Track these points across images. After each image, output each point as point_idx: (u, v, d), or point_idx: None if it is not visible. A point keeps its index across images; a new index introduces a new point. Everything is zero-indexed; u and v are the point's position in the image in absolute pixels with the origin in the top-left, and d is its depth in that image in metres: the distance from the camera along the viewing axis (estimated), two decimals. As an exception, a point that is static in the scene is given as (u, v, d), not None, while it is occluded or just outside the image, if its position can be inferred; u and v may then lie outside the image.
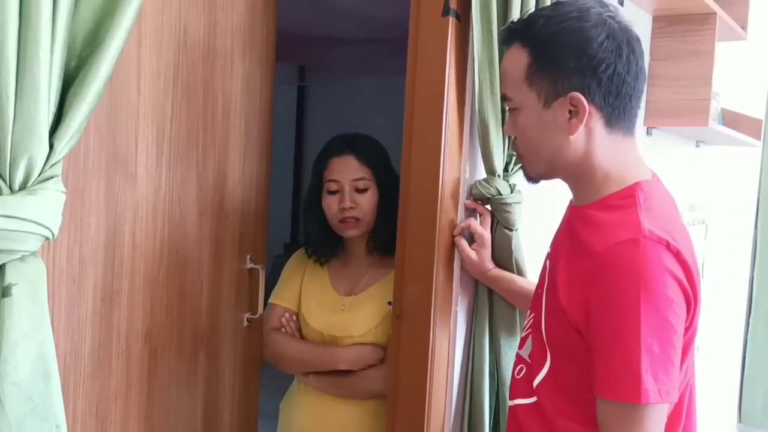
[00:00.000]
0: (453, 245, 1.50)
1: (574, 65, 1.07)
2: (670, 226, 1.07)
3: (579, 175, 1.14)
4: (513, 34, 1.14)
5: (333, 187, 1.65)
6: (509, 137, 1.23)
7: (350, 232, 1.65)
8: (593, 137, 1.10)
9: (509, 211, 1.49)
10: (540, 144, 1.14)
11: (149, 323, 1.27)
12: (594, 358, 1.05)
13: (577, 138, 1.10)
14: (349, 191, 1.63)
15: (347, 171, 1.64)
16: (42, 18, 0.83)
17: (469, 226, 1.49)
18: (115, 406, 1.22)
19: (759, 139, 2.76)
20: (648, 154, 2.27)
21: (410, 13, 1.46)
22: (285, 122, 4.69)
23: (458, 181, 1.49)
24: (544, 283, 1.21)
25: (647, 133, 2.29)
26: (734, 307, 3.57)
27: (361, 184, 1.63)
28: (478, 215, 1.54)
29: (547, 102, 1.10)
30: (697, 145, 2.74)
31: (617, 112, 1.10)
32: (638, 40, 1.12)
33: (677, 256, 1.03)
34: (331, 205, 1.65)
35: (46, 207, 0.87)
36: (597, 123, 1.10)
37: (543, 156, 1.15)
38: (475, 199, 1.53)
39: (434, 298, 1.46)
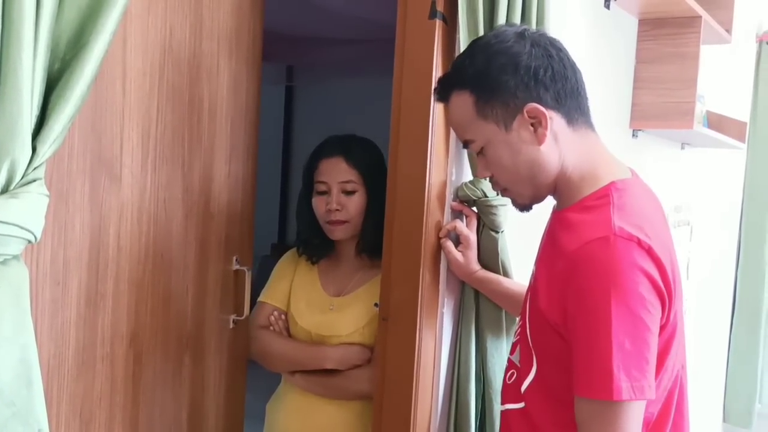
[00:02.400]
0: (439, 247, 1.50)
1: (515, 82, 1.10)
2: (645, 223, 1.07)
3: (559, 183, 1.16)
4: (445, 87, 1.17)
5: (321, 188, 1.66)
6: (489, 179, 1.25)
7: (337, 234, 1.66)
8: (561, 140, 1.13)
9: (495, 214, 1.49)
10: (517, 168, 1.14)
11: (134, 326, 1.27)
12: (572, 358, 1.05)
13: (548, 146, 1.12)
14: (337, 193, 1.64)
15: (335, 173, 1.64)
16: (25, 20, 0.82)
17: (455, 228, 1.50)
18: (100, 409, 1.21)
19: (743, 141, 2.78)
20: (634, 156, 2.31)
21: (397, 15, 1.47)
22: (273, 122, 4.69)
23: (444, 183, 1.49)
24: (530, 289, 1.22)
25: (633, 135, 2.31)
26: (719, 307, 3.60)
27: (348, 187, 1.64)
28: (464, 217, 1.54)
29: (507, 125, 1.12)
30: (683, 148, 2.76)
31: (572, 108, 1.13)
32: (556, 40, 1.15)
33: (649, 252, 1.04)
34: (319, 205, 1.66)
35: (28, 210, 0.87)
36: (559, 124, 1.12)
37: (524, 178, 1.15)
38: (461, 201, 1.53)
39: (420, 299, 1.46)
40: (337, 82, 4.49)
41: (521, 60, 1.09)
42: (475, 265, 1.51)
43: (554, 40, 1.15)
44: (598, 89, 2.07)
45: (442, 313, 1.53)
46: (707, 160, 3.07)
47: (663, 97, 2.23)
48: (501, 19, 1.41)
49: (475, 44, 1.17)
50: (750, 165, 3.68)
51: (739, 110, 3.36)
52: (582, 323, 1.03)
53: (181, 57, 1.30)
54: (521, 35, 1.11)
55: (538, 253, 1.26)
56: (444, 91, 1.17)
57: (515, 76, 1.09)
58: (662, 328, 1.07)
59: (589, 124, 1.16)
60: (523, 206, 1.22)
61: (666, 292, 1.05)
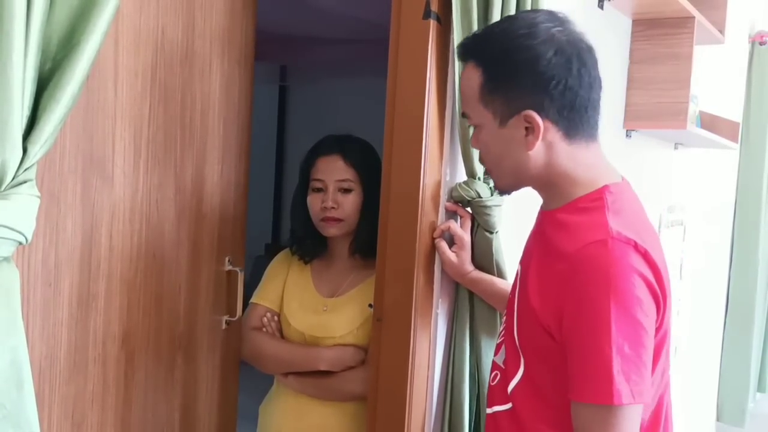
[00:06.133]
0: (434, 248, 1.50)
1: (525, 84, 1.08)
2: (639, 228, 1.08)
3: (546, 183, 1.16)
4: (467, 51, 1.15)
5: (318, 185, 1.66)
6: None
7: (331, 231, 1.65)
8: (553, 149, 1.11)
9: (489, 214, 1.49)
10: (502, 159, 1.15)
11: (126, 326, 1.26)
12: (568, 361, 1.05)
13: (537, 152, 1.11)
14: (333, 191, 1.64)
15: (332, 171, 1.64)
16: (15, 20, 0.81)
17: (449, 229, 1.50)
18: (92, 410, 1.20)
19: (736, 141, 2.79)
20: (627, 157, 2.31)
21: (391, 15, 1.46)
22: (266, 122, 4.68)
23: (439, 183, 1.49)
24: (516, 289, 1.21)
25: (626, 135, 2.31)
26: (712, 307, 3.61)
27: (345, 185, 1.64)
28: (458, 217, 1.54)
29: (502, 121, 1.11)
30: (676, 148, 2.76)
31: (574, 124, 1.10)
32: (590, 50, 1.11)
33: (645, 256, 1.04)
34: (314, 203, 1.66)
35: (19, 212, 0.86)
36: (555, 136, 1.10)
37: (507, 170, 1.16)
38: (456, 202, 1.53)
39: (415, 300, 1.46)
40: (330, 82, 4.49)
41: (539, 65, 1.06)
42: (469, 266, 1.51)
43: (583, 50, 1.09)
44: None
45: (437, 314, 1.53)
46: (700, 160, 3.08)
47: (656, 97, 2.23)
48: (495, 18, 1.40)
49: (510, 23, 1.12)
50: (743, 165, 3.70)
51: (732, 110, 3.38)
52: (580, 327, 1.03)
53: (174, 57, 1.30)
54: (551, 36, 1.07)
55: (525, 252, 1.26)
56: (465, 54, 1.15)
57: (527, 79, 1.08)
58: (656, 330, 1.07)
59: (590, 137, 1.13)
60: (503, 190, 1.24)
61: (661, 296, 1.06)
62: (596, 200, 1.10)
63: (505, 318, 1.26)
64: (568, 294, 1.04)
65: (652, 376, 1.08)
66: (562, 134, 1.10)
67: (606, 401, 0.99)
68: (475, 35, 1.17)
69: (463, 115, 1.20)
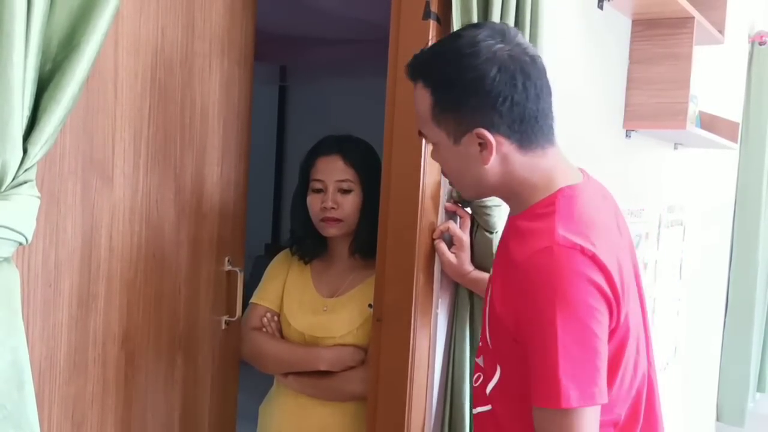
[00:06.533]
0: (433, 248, 1.50)
1: (472, 104, 1.09)
2: (590, 229, 1.08)
3: (506, 192, 1.18)
4: (414, 71, 1.16)
5: (318, 186, 1.66)
6: None
7: (330, 231, 1.66)
8: (509, 161, 1.13)
9: (489, 214, 1.49)
10: (461, 174, 1.18)
11: (126, 327, 1.26)
12: (527, 366, 1.07)
13: (493, 166, 1.12)
14: (333, 192, 1.64)
15: (332, 171, 1.64)
16: (16, 20, 0.81)
17: (448, 229, 1.50)
18: (92, 411, 1.21)
19: (736, 141, 2.79)
20: (627, 157, 2.31)
21: (391, 15, 1.46)
22: (266, 123, 4.68)
23: (439, 183, 1.49)
24: (487, 294, 1.23)
25: (626, 135, 2.31)
26: (712, 306, 3.61)
27: (345, 186, 1.64)
28: (458, 218, 1.54)
29: (456, 139, 1.13)
30: (675, 148, 2.76)
31: (526, 135, 1.11)
32: (533, 61, 1.11)
33: (593, 259, 1.05)
34: (314, 203, 1.66)
35: (19, 212, 0.86)
36: (509, 148, 1.12)
37: (468, 183, 1.19)
38: (455, 202, 1.53)
39: (414, 300, 1.46)
40: (330, 82, 4.48)
41: (484, 84, 1.08)
42: (469, 266, 1.51)
43: (526, 64, 1.10)
44: (591, 90, 2.08)
45: (437, 314, 1.53)
46: (700, 161, 3.08)
47: (656, 97, 2.23)
48: (495, 19, 1.40)
49: (455, 42, 1.13)
50: (742, 165, 3.70)
51: (732, 111, 3.38)
52: (531, 334, 1.05)
53: (173, 57, 1.30)
54: (493, 54, 1.08)
55: (495, 257, 1.28)
56: (413, 74, 1.17)
57: (474, 99, 1.09)
58: (613, 331, 1.08)
59: (547, 142, 1.14)
60: (468, 200, 1.27)
61: (613, 297, 1.06)
62: (549, 205, 1.11)
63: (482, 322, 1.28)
64: (521, 301, 1.07)
65: (618, 374, 1.11)
66: (516, 146, 1.12)
67: (555, 405, 1.01)
68: (421, 55, 1.17)
69: (420, 133, 1.21)
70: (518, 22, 1.48)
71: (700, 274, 3.20)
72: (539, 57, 1.14)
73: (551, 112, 1.15)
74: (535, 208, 1.13)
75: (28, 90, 0.85)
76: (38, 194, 0.91)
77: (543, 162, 1.14)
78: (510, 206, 1.22)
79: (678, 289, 2.92)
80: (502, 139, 1.10)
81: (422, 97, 1.14)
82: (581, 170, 1.21)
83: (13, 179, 0.86)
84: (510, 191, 1.17)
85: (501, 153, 1.11)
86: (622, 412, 1.14)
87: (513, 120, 1.09)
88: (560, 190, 1.12)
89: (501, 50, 1.09)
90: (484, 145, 1.10)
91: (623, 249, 1.17)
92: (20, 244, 0.88)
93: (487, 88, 1.08)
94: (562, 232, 1.05)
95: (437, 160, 1.22)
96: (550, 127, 1.15)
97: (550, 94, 1.14)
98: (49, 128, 0.87)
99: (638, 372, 1.17)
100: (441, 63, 1.12)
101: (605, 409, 1.07)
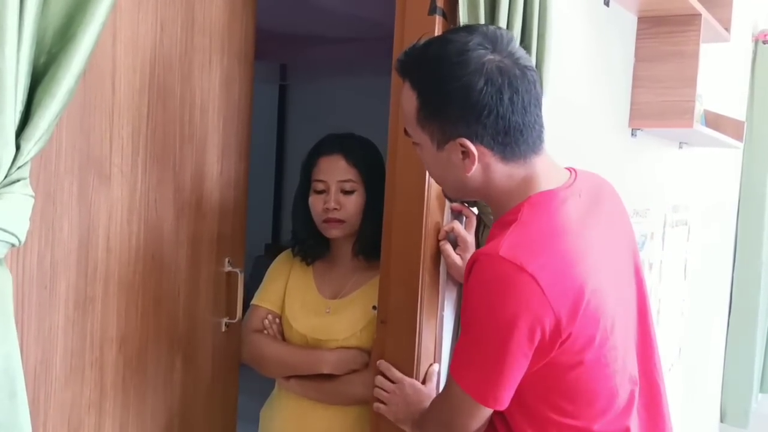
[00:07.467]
0: (439, 248, 1.47)
1: (457, 114, 1.09)
2: (545, 242, 1.07)
3: (487, 197, 1.19)
4: (403, 68, 1.15)
5: (320, 186, 1.63)
6: None
7: (333, 232, 1.63)
8: (491, 170, 1.13)
9: (495, 214, 1.46)
10: (443, 177, 1.20)
11: (124, 330, 1.23)
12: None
13: (474, 174, 1.12)
14: (335, 192, 1.61)
15: (334, 171, 1.61)
16: (8, 11, 0.79)
17: (452, 230, 1.47)
18: (89, 416, 1.18)
19: (741, 140, 2.77)
20: (632, 156, 2.28)
21: (396, 11, 1.43)
22: (266, 121, 4.65)
23: (444, 182, 1.46)
24: None
25: (632, 134, 2.28)
26: (716, 307, 3.60)
27: (347, 186, 1.61)
28: (464, 218, 1.51)
29: (439, 145, 1.13)
30: (680, 147, 2.74)
31: (510, 147, 1.11)
32: (523, 74, 1.09)
33: (532, 276, 1.03)
34: (316, 204, 1.63)
35: (12, 212, 0.83)
36: (491, 159, 1.11)
37: (450, 185, 1.21)
38: (461, 202, 1.50)
39: (420, 301, 1.43)
40: (331, 80, 4.46)
41: (470, 96, 1.06)
42: (474, 267, 1.49)
43: (515, 77, 1.08)
44: (596, 88, 2.05)
45: (442, 316, 1.50)
46: (705, 160, 3.06)
47: (662, 95, 2.21)
48: (502, 15, 1.37)
49: (445, 48, 1.10)
50: (747, 164, 3.68)
51: (736, 109, 3.36)
52: (463, 325, 1.16)
53: (172, 53, 1.27)
54: (482, 65, 1.06)
55: None
56: (402, 71, 1.16)
57: (459, 110, 1.08)
58: (567, 349, 1.06)
59: (532, 153, 1.13)
60: (448, 199, 1.31)
61: (554, 315, 1.04)
62: (515, 213, 1.12)
63: None
64: (465, 297, 1.14)
65: (603, 377, 1.13)
66: (498, 157, 1.12)
67: (453, 374, 1.13)
68: (411, 52, 1.15)
69: (405, 132, 1.20)
70: (526, 18, 1.45)
71: (703, 273, 3.18)
72: (531, 68, 1.12)
73: (539, 123, 1.13)
74: (506, 216, 1.14)
75: (21, 83, 0.82)
76: (32, 193, 0.88)
77: (523, 171, 1.14)
78: (492, 211, 1.24)
79: (683, 289, 2.89)
80: (485, 150, 1.10)
81: (409, 98, 1.14)
82: (570, 170, 1.20)
83: (6, 177, 0.83)
84: (489, 197, 1.18)
85: (483, 162, 1.12)
86: (620, 406, 1.16)
87: (497, 132, 1.09)
88: (529, 198, 1.12)
89: (490, 62, 1.07)
90: (466, 154, 1.10)
91: (611, 251, 1.17)
92: (12, 245, 0.85)
93: (473, 100, 1.07)
94: (508, 244, 1.06)
95: (422, 160, 1.22)
96: (537, 138, 1.14)
97: (538, 105, 1.13)
98: (43, 123, 0.84)
99: (626, 373, 1.17)
100: (429, 69, 1.11)
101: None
